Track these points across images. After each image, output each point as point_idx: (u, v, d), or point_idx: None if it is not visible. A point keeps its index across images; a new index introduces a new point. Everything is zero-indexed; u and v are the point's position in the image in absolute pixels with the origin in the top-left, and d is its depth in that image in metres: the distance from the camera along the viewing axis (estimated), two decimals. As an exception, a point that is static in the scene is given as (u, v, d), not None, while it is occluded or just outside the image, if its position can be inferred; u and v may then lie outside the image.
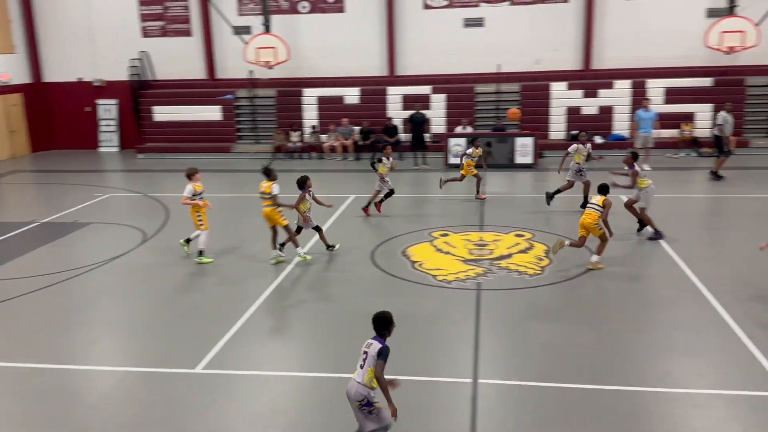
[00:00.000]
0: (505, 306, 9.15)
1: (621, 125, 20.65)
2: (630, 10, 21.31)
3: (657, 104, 20.14)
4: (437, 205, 14.87)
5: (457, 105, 21.83)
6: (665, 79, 20.84)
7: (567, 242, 10.46)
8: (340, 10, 22.88)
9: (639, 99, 19.51)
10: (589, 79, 21.55)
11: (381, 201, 13.90)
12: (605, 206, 10.24)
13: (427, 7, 22.45)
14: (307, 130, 22.34)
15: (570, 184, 13.84)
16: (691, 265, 10.34)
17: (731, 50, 19.58)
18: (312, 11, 23.02)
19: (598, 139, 20.32)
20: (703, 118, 20.28)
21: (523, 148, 19.04)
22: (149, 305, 9.68)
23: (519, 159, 19.04)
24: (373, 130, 21.40)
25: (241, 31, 22.83)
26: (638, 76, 21.10)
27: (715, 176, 16.37)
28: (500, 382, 7.15)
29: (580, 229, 10.44)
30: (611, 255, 10.99)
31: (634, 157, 11.85)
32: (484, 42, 22.11)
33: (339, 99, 22.49)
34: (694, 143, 19.90)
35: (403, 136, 21.06)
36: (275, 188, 10.89)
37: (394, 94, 22.17)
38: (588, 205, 10.60)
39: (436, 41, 22.39)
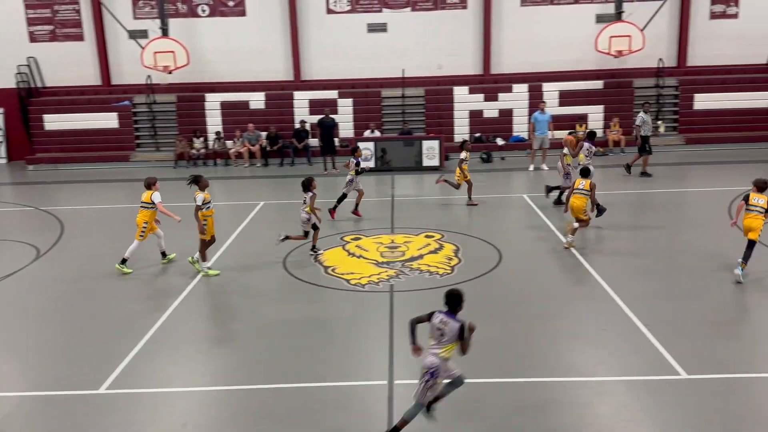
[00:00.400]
0: (418, 306, 9.20)
1: (521, 127, 21.48)
2: (525, 17, 22.23)
3: (553, 106, 21.13)
4: (349, 209, 14.86)
5: (365, 109, 21.98)
6: (559, 83, 21.88)
7: (576, 225, 11.32)
8: (242, 13, 22.48)
9: (536, 102, 20.39)
10: (489, 83, 22.28)
11: (338, 204, 14.00)
12: (591, 188, 11.40)
13: (330, 11, 22.47)
14: (212, 136, 21.78)
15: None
16: (591, 260, 10.87)
17: (619, 54, 20.83)
18: (212, 15, 22.49)
19: (500, 141, 21.06)
20: (596, 119, 21.45)
21: (430, 151, 19.41)
22: (45, 324, 9.07)
23: (426, 162, 19.41)
24: (280, 135, 21.16)
25: (137, 35, 21.96)
26: (534, 80, 22.03)
27: (643, 174, 17.21)
28: (415, 381, 7.21)
29: (572, 213, 11.43)
30: (518, 252, 11.39)
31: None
32: (389, 47, 22.40)
33: (244, 104, 22.08)
34: (588, 143, 20.98)
35: (313, 141, 20.95)
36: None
37: (301, 99, 22.03)
38: (575, 190, 11.52)
39: (340, 46, 22.45)
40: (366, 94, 22.25)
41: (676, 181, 16.99)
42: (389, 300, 9.46)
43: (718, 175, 17.15)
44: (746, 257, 9.66)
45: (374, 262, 11.12)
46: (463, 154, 14.77)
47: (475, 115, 21.84)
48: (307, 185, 11.26)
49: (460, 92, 21.98)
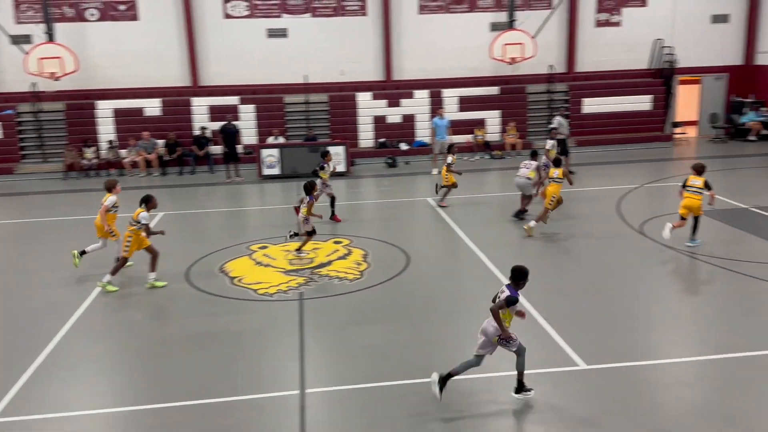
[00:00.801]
0: (328, 313, 9.23)
1: (423, 132, 21.92)
2: (422, 24, 22.72)
3: (453, 112, 21.70)
4: (255, 217, 14.62)
5: (267, 116, 21.68)
6: (458, 89, 22.51)
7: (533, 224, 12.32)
8: (134, 17, 21.61)
9: (437, 107, 20.88)
10: (391, 89, 22.60)
11: (333, 209, 14.03)
12: (564, 175, 12.66)
13: (228, 16, 22.02)
14: (104, 145, 20.75)
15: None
16: (494, 259, 11.23)
17: (513, 61, 21.70)
18: (102, 19, 21.46)
19: (404, 146, 21.39)
20: (493, 124, 22.25)
21: (335, 157, 19.36)
22: None
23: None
24: (179, 143, 20.49)
25: (21, 40, 20.60)
26: (435, 86, 22.56)
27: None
28: (327, 389, 7.19)
29: (546, 198, 12.70)
30: (425, 254, 11.60)
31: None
32: (290, 52, 22.23)
33: (138, 111, 21.20)
34: (486, 146, 21.71)
35: (215, 148, 20.41)
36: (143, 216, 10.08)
37: (200, 105, 21.43)
38: (550, 178, 12.73)
39: (240, 51, 22.05)
40: (268, 100, 21.96)
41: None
42: (299, 308, 9.37)
43: (607, 175, 18.20)
44: (694, 230, 11.37)
45: (282, 270, 10.98)
46: (450, 159, 14.98)
47: (379, 121, 22.08)
48: (309, 190, 11.60)
49: (364, 98, 22.15)
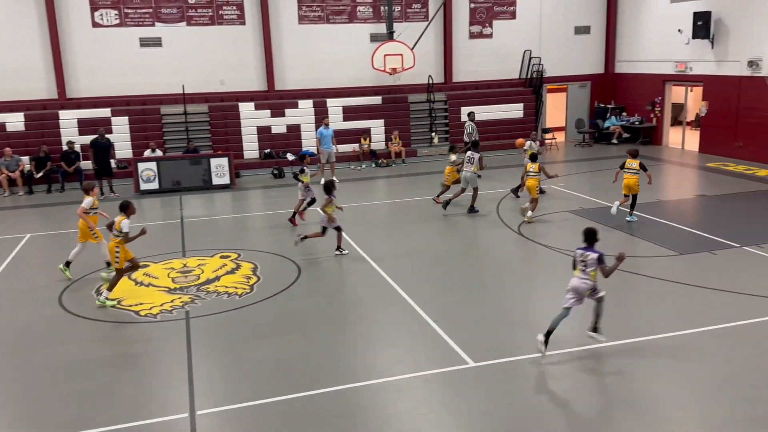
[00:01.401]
0: (218, 331, 8.96)
1: (309, 142, 21.85)
2: (303, 34, 22.70)
3: (338, 121, 21.83)
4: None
5: (143, 128, 20.75)
6: (342, 98, 22.68)
7: (527, 205, 13.77)
8: (-9, 25, 19.99)
9: (322, 117, 20.90)
10: (274, 99, 22.36)
11: (304, 209, 14.45)
12: (541, 169, 14.06)
13: (96, 25, 20.88)
14: (-40, 164, 18.99)
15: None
16: (383, 265, 11.38)
17: (394, 71, 22.17)
18: (-48, 26, 19.67)
19: (290, 156, 21.21)
20: (378, 133, 22.59)
21: (219, 169, 18.91)
22: None
23: (216, 180, 18.86)
24: (50, 157, 19.11)
25: None
26: (319, 96, 22.59)
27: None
28: (218, 409, 6.96)
29: (529, 192, 13.93)
30: (315, 264, 11.55)
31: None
32: (166, 62, 21.43)
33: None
34: (372, 155, 22.01)
35: (86, 164, 19.21)
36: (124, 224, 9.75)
37: (68, 119, 20.15)
38: (528, 173, 14.12)
39: (111, 61, 20.98)
40: (143, 111, 21.03)
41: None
42: (185, 327, 9.01)
43: (487, 179, 18.97)
44: (632, 206, 13.43)
45: (166, 289, 10.53)
46: (453, 157, 15.78)
47: (264, 131, 21.76)
48: (329, 189, 11.93)
49: (246, 108, 21.76)
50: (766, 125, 19.32)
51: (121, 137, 20.30)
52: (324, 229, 12.01)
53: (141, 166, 18.57)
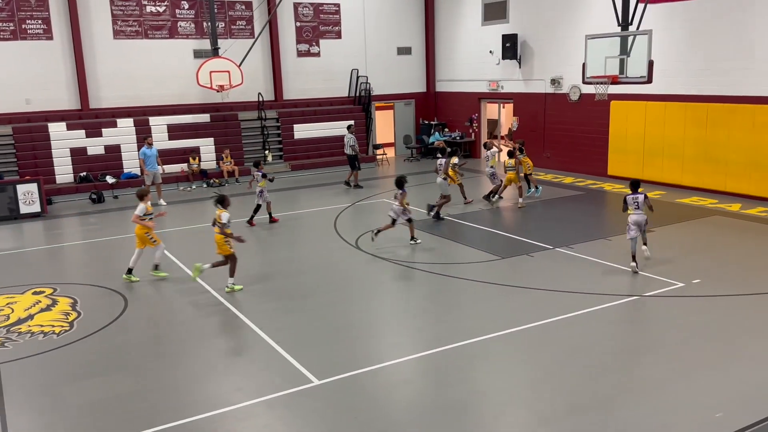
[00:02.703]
0: (34, 375, 8.06)
1: (132, 163, 20.59)
2: (119, 50, 21.37)
3: (162, 141, 20.82)
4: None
5: (-68, 153, 18.26)
6: (166, 116, 21.67)
7: (520, 201, 16.29)
8: None
9: (144, 136, 19.77)
10: (89, 118, 20.80)
11: (252, 217, 15.40)
12: (516, 165, 16.34)
13: None
14: None
15: (501, 183, 16.81)
16: (219, 289, 10.99)
17: (221, 88, 21.60)
18: None
19: (110, 179, 19.83)
20: (207, 152, 21.87)
21: (28, 196, 17.14)
22: None
23: (24, 209, 17.05)
24: None
25: None
26: (140, 114, 21.40)
27: (356, 186, 20.13)
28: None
29: (506, 181, 16.42)
30: (144, 294, 10.84)
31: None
32: (-43, 79, 19.10)
33: None
34: (203, 175, 21.24)
35: None
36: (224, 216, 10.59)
37: None
38: (506, 168, 16.32)
39: None
40: (-68, 134, 18.53)
41: (289, 204, 18.31)
42: (-7, 375, 8.01)
43: (321, 196, 19.16)
44: (529, 185, 17.29)
45: (-33, 334, 9.29)
46: (457, 160, 16.65)
47: (78, 153, 20.12)
48: (401, 183, 13.04)
49: (57, 128, 19.99)
50: (568, 137, 21.54)
51: None
52: (393, 221, 13.00)
53: (-70, 195, 16.29)
